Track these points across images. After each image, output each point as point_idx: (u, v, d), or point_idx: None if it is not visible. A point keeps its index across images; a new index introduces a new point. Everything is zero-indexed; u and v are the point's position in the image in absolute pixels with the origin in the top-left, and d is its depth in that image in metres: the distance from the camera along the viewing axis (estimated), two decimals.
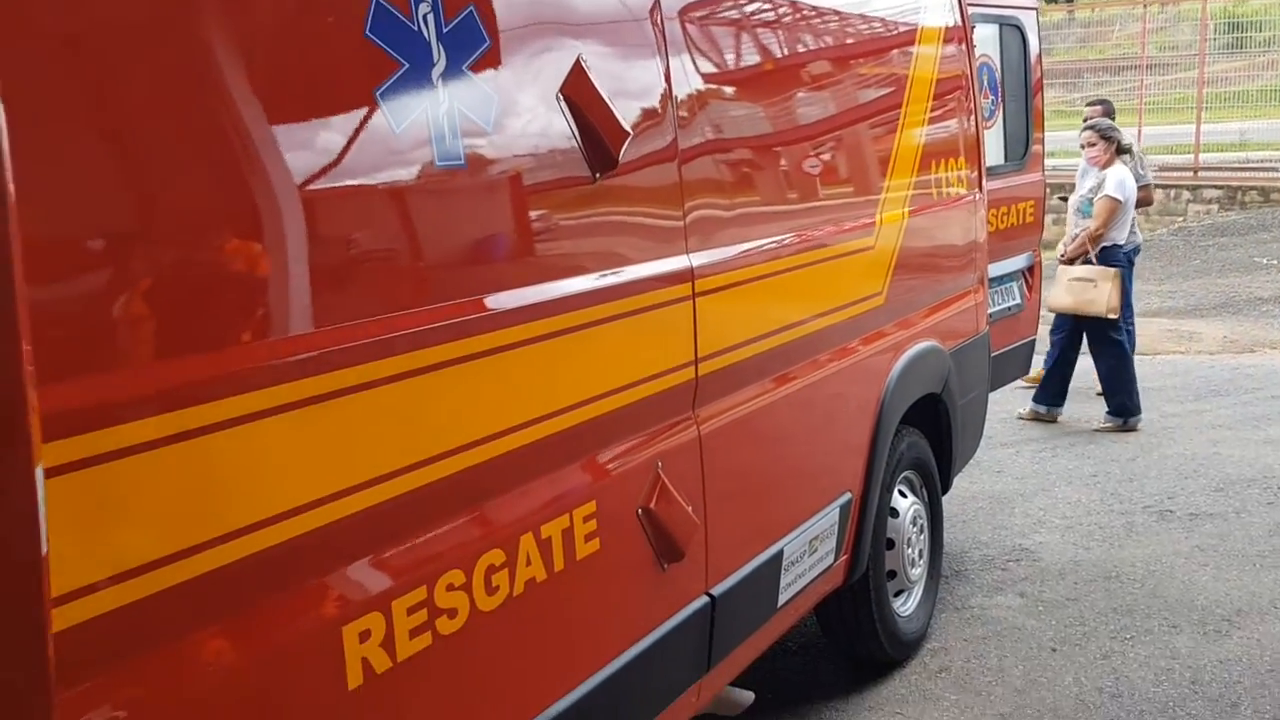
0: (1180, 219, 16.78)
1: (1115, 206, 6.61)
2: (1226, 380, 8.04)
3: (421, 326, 1.88)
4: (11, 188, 1.14)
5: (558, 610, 2.23)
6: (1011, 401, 7.55)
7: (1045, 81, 22.39)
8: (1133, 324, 7.23)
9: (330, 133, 1.75)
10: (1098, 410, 7.40)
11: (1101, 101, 8.50)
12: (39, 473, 1.13)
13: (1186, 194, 17.34)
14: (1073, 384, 8.11)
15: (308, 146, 1.71)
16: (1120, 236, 6.74)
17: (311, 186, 1.71)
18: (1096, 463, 6.26)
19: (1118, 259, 6.68)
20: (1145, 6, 21.02)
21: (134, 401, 1.44)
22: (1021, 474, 6.17)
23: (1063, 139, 25.79)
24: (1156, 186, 17.75)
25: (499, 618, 2.06)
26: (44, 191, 1.33)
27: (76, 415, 1.37)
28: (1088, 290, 6.54)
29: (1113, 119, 7.77)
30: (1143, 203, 7.51)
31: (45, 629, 1.16)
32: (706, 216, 2.67)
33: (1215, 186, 17.12)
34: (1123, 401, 6.82)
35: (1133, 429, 6.83)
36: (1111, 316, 6.54)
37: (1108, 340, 6.75)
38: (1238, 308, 10.84)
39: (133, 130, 1.47)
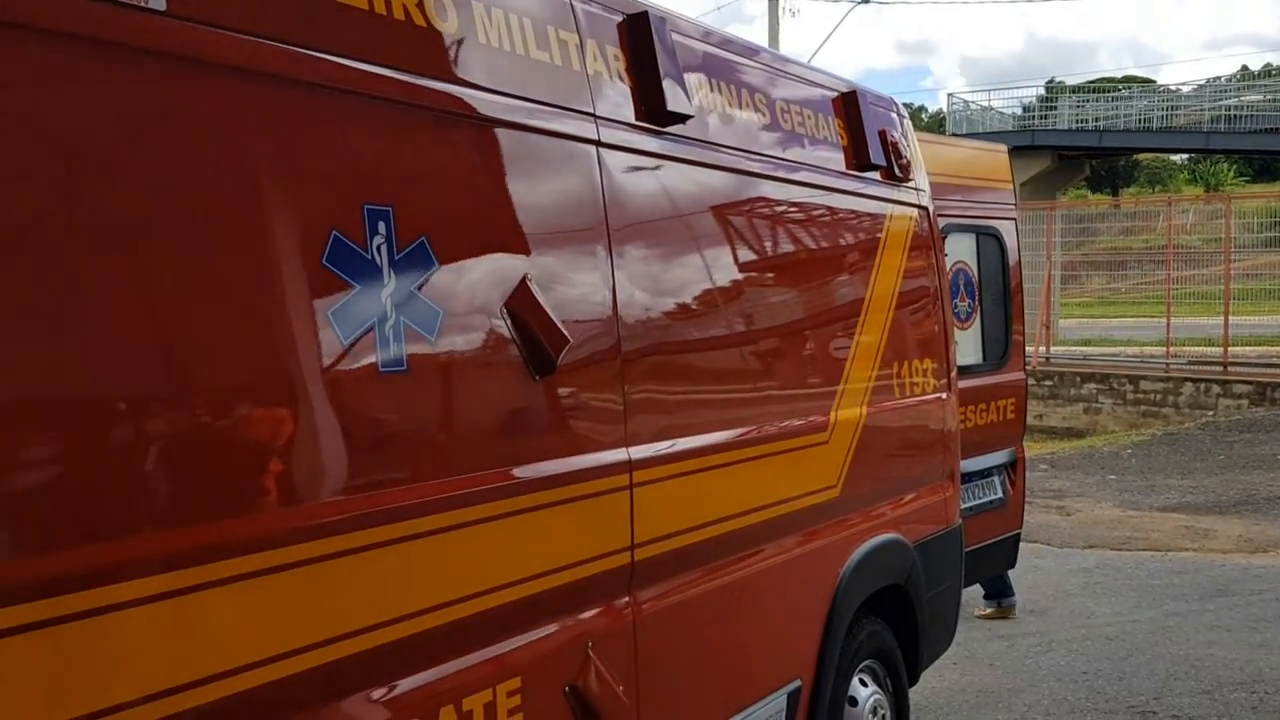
0: (1210, 413, 16.84)
1: None
2: (1234, 580, 8.03)
3: (355, 512, 2.14)
4: None
5: None
6: (1015, 590, 7.59)
7: (1091, 270, 22.53)
8: None
9: (284, 348, 2.06)
10: (1101, 606, 7.42)
11: None
12: None
13: (1217, 388, 17.45)
14: (1077, 580, 8.18)
15: (263, 359, 2.02)
16: None
17: (264, 391, 2.01)
18: (1090, 659, 6.27)
19: None
20: (1170, 204, 21.60)
21: None
22: (1013, 668, 6.18)
23: (1107, 327, 26.01)
24: (1186, 380, 17.97)
25: None
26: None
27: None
28: None
29: None
30: None
31: None
32: (648, 413, 2.94)
33: (1245, 382, 17.22)
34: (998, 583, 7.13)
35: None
36: None
37: None
38: (1257, 505, 10.81)
39: (106, 345, 1.78)
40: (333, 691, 2.11)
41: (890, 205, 4.37)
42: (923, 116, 65.03)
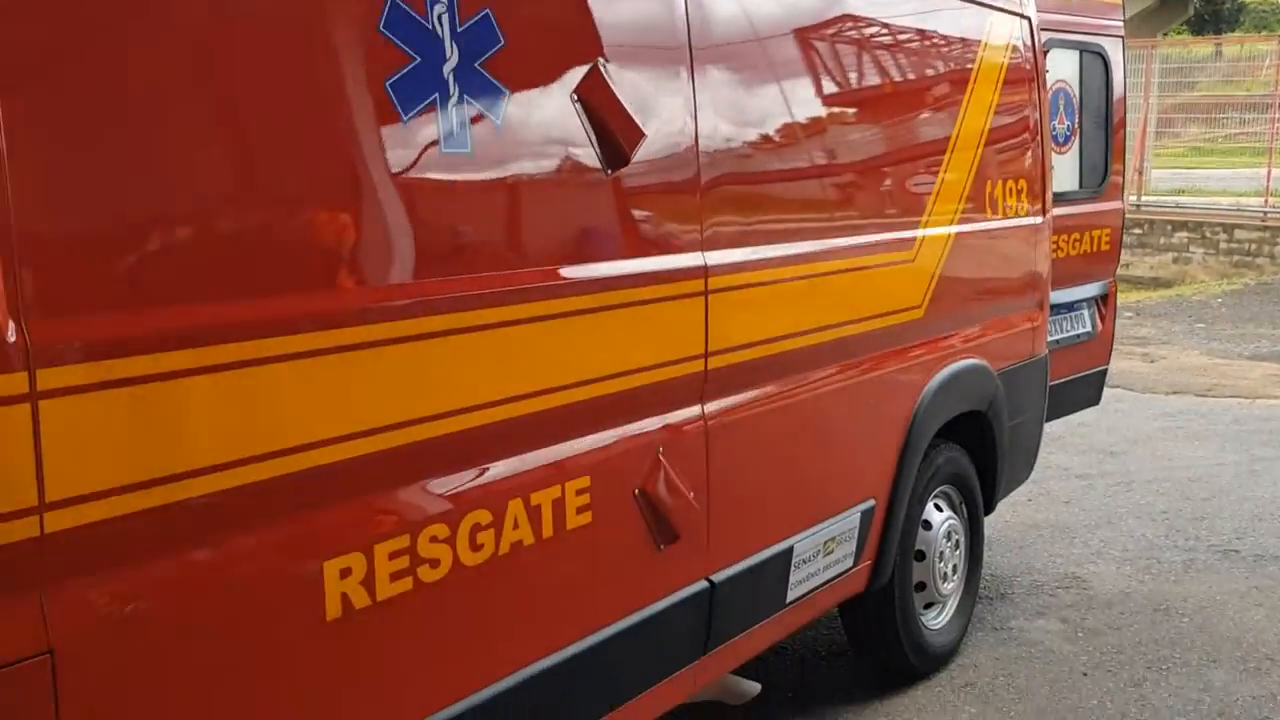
0: None
1: None
2: None
3: (426, 297, 2.06)
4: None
5: (544, 574, 2.37)
6: (1094, 433, 7.44)
7: (1188, 116, 21.26)
8: None
9: (340, 117, 1.94)
10: (1184, 450, 7.24)
11: None
12: None
13: None
14: (1159, 424, 7.97)
15: (319, 131, 1.91)
16: None
17: (315, 167, 1.91)
18: (1170, 500, 6.13)
19: None
20: None
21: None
22: (1091, 506, 6.08)
23: (1200, 177, 24.91)
24: None
25: (482, 573, 2.22)
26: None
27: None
28: None
29: None
30: None
31: None
32: (725, 219, 2.79)
33: None
34: None
35: None
36: None
37: None
38: None
39: (154, 116, 1.69)
40: (397, 477, 2.07)
41: (990, 11, 4.06)
42: None
